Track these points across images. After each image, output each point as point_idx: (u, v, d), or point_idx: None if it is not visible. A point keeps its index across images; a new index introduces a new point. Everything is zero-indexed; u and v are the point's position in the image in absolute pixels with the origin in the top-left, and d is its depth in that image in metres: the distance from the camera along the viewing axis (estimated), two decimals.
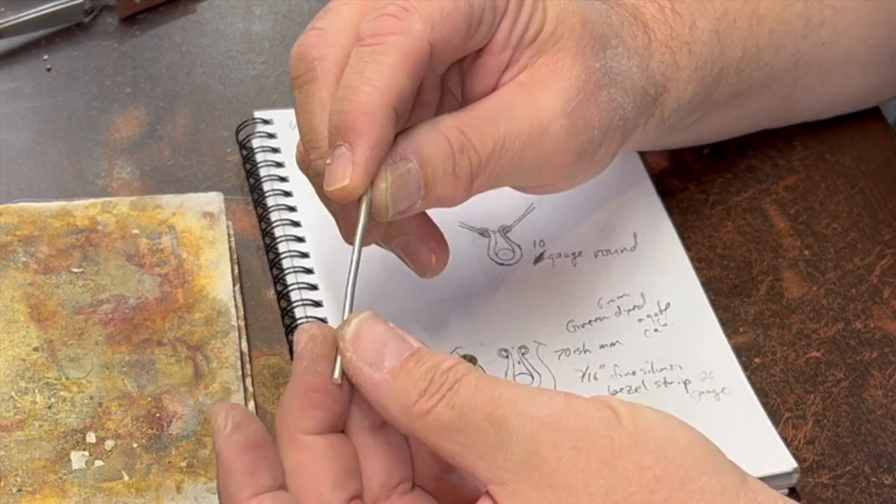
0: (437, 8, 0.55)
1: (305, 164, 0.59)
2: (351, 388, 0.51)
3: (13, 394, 0.62)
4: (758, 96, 0.72)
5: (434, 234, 0.62)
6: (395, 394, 0.48)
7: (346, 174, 0.53)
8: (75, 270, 0.66)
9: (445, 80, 0.61)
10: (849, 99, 0.78)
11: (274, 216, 0.71)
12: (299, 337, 0.51)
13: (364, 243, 0.58)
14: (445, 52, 0.56)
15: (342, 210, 0.58)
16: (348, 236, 0.59)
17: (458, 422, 0.47)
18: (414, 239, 0.62)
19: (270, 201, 0.72)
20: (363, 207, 0.55)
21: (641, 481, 0.45)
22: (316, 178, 0.58)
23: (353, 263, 0.54)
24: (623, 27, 0.63)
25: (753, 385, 0.66)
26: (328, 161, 0.54)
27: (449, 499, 0.52)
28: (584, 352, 0.67)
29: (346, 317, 0.51)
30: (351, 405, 0.51)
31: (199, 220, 0.69)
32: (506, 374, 0.66)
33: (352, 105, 0.53)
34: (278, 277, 0.69)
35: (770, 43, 0.70)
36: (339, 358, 0.50)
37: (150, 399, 0.62)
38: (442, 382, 0.47)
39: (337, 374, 0.50)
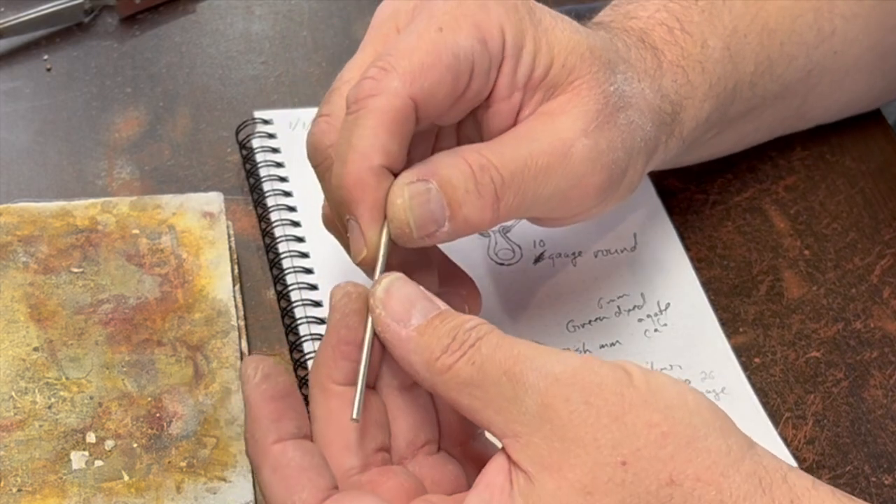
0: (416, 63, 0.55)
1: (332, 227, 0.62)
2: (382, 349, 0.53)
3: (13, 394, 0.62)
4: (772, 109, 0.72)
5: (465, 283, 0.63)
6: (419, 350, 0.50)
7: (362, 245, 0.55)
8: (75, 270, 0.66)
9: (462, 129, 0.61)
10: (856, 103, 0.78)
11: (274, 216, 0.72)
12: (334, 292, 0.53)
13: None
14: (434, 105, 0.56)
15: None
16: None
17: (478, 377, 0.49)
18: (445, 292, 0.62)
19: (270, 201, 0.72)
20: (383, 241, 0.55)
21: (649, 437, 0.47)
22: (339, 238, 0.62)
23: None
24: (630, 52, 0.63)
25: (753, 385, 0.66)
26: (348, 234, 0.56)
27: (473, 464, 0.54)
28: (584, 352, 0.67)
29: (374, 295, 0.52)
30: (381, 365, 0.53)
31: (199, 220, 0.69)
32: None
33: (344, 178, 0.55)
34: (278, 277, 0.69)
35: (782, 55, 0.70)
36: (357, 396, 0.51)
37: (150, 399, 0.62)
38: (465, 340, 0.49)
39: (355, 413, 0.51)
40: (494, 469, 0.49)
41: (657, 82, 0.64)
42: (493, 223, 0.57)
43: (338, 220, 0.57)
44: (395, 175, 0.55)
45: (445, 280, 0.62)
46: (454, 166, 0.56)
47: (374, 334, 0.53)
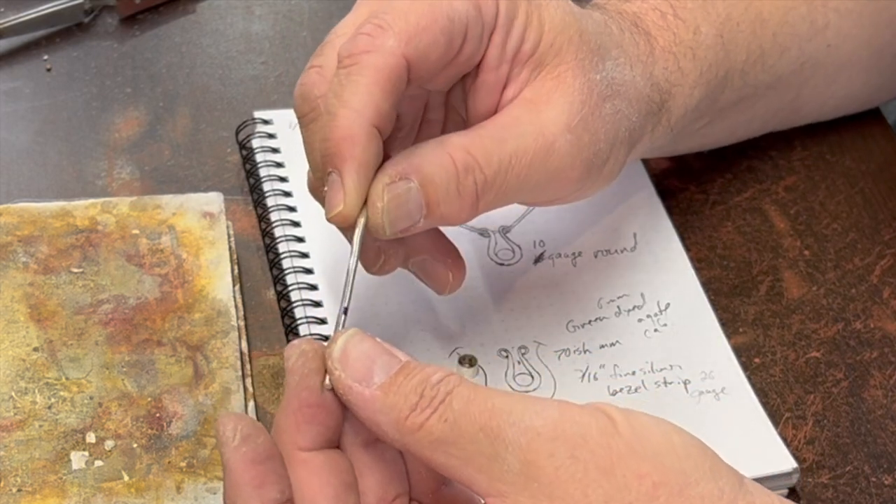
0: (412, 23, 0.55)
1: (317, 194, 0.61)
2: (343, 405, 0.50)
3: (13, 394, 0.62)
4: (764, 100, 0.72)
5: (450, 252, 0.62)
6: (385, 410, 0.48)
7: (339, 200, 0.54)
8: (75, 270, 0.66)
9: (450, 98, 0.61)
10: (852, 101, 0.78)
11: (274, 216, 0.72)
12: (289, 353, 0.50)
13: (384, 271, 0.60)
14: (426, 67, 0.56)
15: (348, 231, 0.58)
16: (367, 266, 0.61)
17: (452, 435, 0.46)
18: (430, 258, 0.62)
19: (270, 201, 0.72)
20: (358, 229, 0.55)
21: (640, 489, 0.45)
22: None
23: (349, 285, 0.54)
24: (624, 36, 0.63)
25: (753, 385, 0.66)
26: (325, 189, 0.55)
27: None
28: (584, 352, 0.67)
29: (338, 329, 0.51)
30: (344, 422, 0.51)
31: (199, 220, 0.69)
32: (506, 375, 0.66)
33: (332, 131, 0.54)
34: (278, 277, 0.69)
35: (774, 46, 0.70)
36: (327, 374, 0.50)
37: (150, 399, 0.62)
38: (434, 396, 0.47)
39: (328, 381, 0.50)
40: None
41: (648, 69, 0.63)
42: (468, 219, 0.57)
43: (316, 173, 0.57)
44: (381, 133, 0.55)
45: (430, 248, 0.62)
46: (439, 165, 0.55)
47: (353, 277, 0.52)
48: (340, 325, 0.54)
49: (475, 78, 0.59)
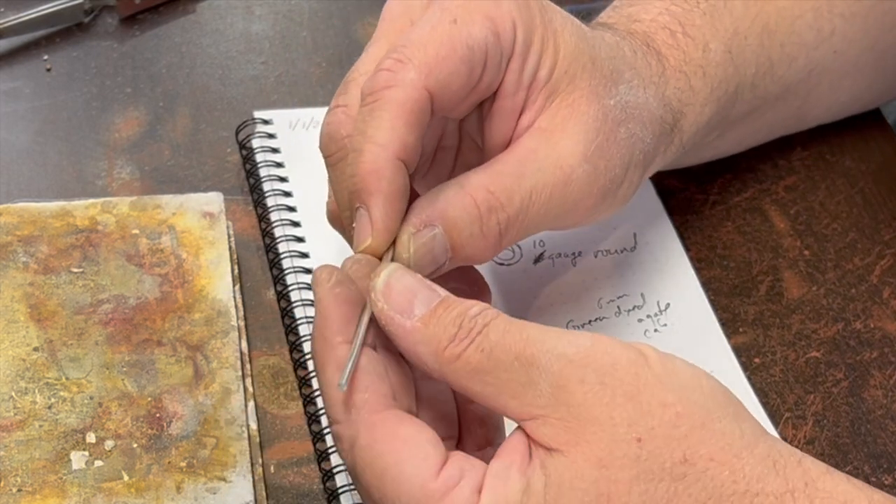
0: (432, 55, 0.55)
1: (336, 224, 0.62)
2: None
3: (13, 394, 0.62)
4: (773, 110, 0.72)
5: (476, 280, 0.63)
6: (426, 341, 0.50)
7: (367, 234, 0.55)
8: (75, 270, 0.66)
9: (464, 125, 0.61)
10: (856, 103, 0.78)
11: (274, 216, 0.72)
12: (321, 270, 0.53)
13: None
14: (448, 97, 0.56)
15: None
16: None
17: (488, 364, 0.49)
18: (457, 286, 0.62)
19: (270, 201, 0.72)
20: (366, 313, 0.54)
21: (664, 416, 0.48)
22: (344, 234, 0.61)
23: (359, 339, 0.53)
24: (637, 57, 0.63)
25: (753, 385, 0.66)
26: (353, 224, 0.55)
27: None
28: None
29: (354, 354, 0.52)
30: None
31: (199, 220, 0.69)
32: None
33: (358, 167, 0.54)
34: (278, 277, 0.69)
35: (783, 56, 0.70)
36: (348, 364, 0.51)
37: (150, 399, 0.62)
38: (472, 327, 0.50)
39: (344, 379, 0.51)
40: (514, 442, 0.49)
41: (661, 90, 0.63)
42: (493, 257, 0.58)
43: (345, 212, 0.57)
44: (408, 167, 0.55)
45: (457, 277, 0.62)
46: (462, 209, 0.56)
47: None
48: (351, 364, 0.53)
49: (491, 104, 0.59)
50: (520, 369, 0.49)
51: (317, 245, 0.70)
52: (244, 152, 0.75)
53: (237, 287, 0.68)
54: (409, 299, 0.51)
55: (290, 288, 0.68)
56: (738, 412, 0.49)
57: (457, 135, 0.61)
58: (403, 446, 0.49)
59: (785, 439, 0.64)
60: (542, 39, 0.58)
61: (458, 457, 0.50)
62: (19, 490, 0.58)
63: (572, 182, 0.58)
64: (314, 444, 0.63)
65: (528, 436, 0.49)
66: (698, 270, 0.72)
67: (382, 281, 0.52)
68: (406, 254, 0.55)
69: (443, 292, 0.51)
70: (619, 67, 0.61)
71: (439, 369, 0.50)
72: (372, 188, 0.54)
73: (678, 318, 0.69)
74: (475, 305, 0.51)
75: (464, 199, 0.56)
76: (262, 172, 0.74)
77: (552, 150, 0.58)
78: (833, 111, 0.77)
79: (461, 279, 0.62)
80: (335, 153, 0.58)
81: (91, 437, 0.61)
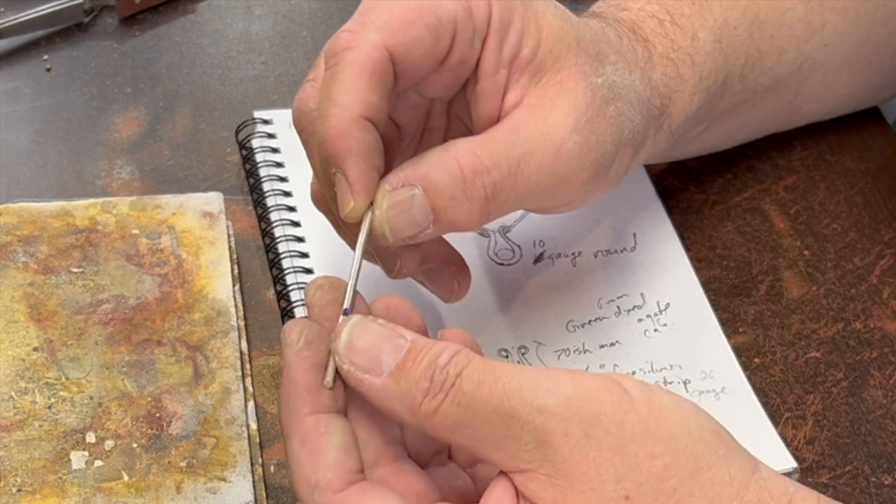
0: (395, 17, 0.55)
1: (320, 205, 0.62)
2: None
3: (13, 394, 0.62)
4: (763, 103, 0.72)
5: (455, 260, 0.63)
6: (398, 398, 0.48)
7: (349, 197, 0.54)
8: (75, 270, 0.66)
9: (453, 107, 0.61)
10: (853, 99, 0.78)
11: (274, 216, 0.72)
12: (289, 333, 0.51)
13: (401, 275, 0.60)
14: (412, 63, 0.56)
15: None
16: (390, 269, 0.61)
17: (467, 417, 0.47)
18: (436, 266, 0.62)
19: (270, 201, 0.72)
20: (362, 234, 0.55)
21: (651, 469, 0.46)
22: (328, 214, 0.61)
23: (351, 288, 0.53)
24: (622, 42, 0.63)
25: (753, 385, 0.66)
26: (336, 190, 0.55)
27: (481, 484, 0.53)
28: (584, 352, 0.67)
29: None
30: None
31: (199, 220, 0.69)
32: None
33: (326, 131, 0.54)
34: (278, 277, 0.69)
35: (772, 48, 0.70)
36: (330, 361, 0.50)
37: (149, 399, 0.62)
38: (443, 380, 0.48)
39: (329, 377, 0.50)
40: (501, 489, 0.48)
41: (647, 74, 0.63)
42: (480, 224, 0.57)
43: (325, 187, 0.57)
44: (376, 126, 0.55)
45: (435, 256, 0.62)
46: (444, 171, 0.55)
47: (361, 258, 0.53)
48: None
49: (474, 85, 0.59)
50: (499, 422, 0.47)
51: (317, 245, 0.70)
52: (244, 152, 0.75)
53: (237, 287, 0.68)
54: (374, 355, 0.49)
55: (290, 288, 0.68)
56: (727, 452, 0.48)
57: (445, 117, 0.61)
58: None
59: (785, 439, 0.64)
60: (523, 19, 0.58)
61: None
62: (19, 490, 0.58)
63: (563, 154, 0.58)
64: None
65: (514, 487, 0.48)
66: (698, 270, 0.72)
67: (344, 340, 0.50)
68: (378, 210, 0.54)
69: (409, 335, 0.49)
70: (603, 50, 0.61)
71: (417, 424, 0.48)
72: (343, 149, 0.53)
73: (678, 318, 0.69)
74: (444, 351, 0.48)
75: (447, 161, 0.55)
76: (262, 172, 0.74)
77: (542, 123, 0.58)
78: (830, 107, 0.77)
79: (440, 258, 0.62)
80: (306, 127, 0.58)
81: (91, 437, 0.61)
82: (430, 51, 0.56)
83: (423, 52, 0.56)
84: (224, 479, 0.60)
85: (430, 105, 0.61)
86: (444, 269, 0.62)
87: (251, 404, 0.63)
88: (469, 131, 0.60)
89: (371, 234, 0.55)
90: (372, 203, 0.55)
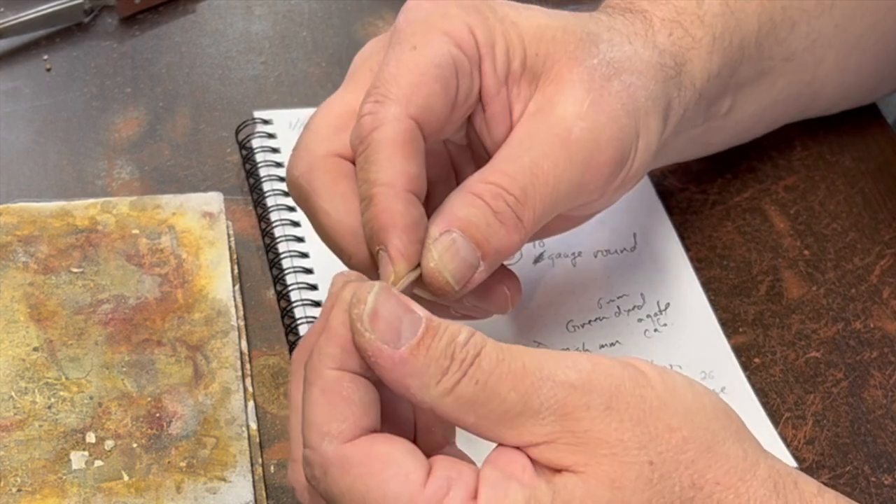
0: (405, 85, 0.55)
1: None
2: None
3: (13, 394, 0.62)
4: (784, 76, 0.71)
5: (507, 276, 0.62)
6: (416, 373, 0.47)
7: (389, 271, 0.54)
8: (75, 270, 0.66)
9: (472, 146, 0.61)
10: (861, 90, 0.78)
11: (274, 216, 0.72)
12: (339, 279, 0.51)
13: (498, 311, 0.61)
14: (434, 119, 0.56)
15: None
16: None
17: (483, 396, 0.47)
18: (489, 285, 0.61)
19: (270, 201, 0.72)
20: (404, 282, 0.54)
21: (671, 441, 0.47)
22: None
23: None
24: (615, 20, 0.63)
25: (753, 385, 0.66)
26: (380, 269, 0.55)
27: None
28: (584, 352, 0.67)
29: None
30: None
31: (199, 220, 0.69)
32: None
33: (370, 211, 0.54)
34: (278, 277, 0.69)
35: (784, 19, 0.70)
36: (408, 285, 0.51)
37: (149, 399, 0.62)
38: (463, 358, 0.47)
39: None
40: (511, 453, 0.48)
41: (651, 40, 0.63)
42: (523, 243, 0.57)
43: (357, 253, 0.57)
44: (417, 195, 0.55)
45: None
46: (468, 205, 0.56)
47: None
48: None
49: (483, 113, 0.59)
50: (517, 401, 0.47)
51: (317, 245, 0.70)
52: (244, 152, 0.75)
53: (237, 287, 0.68)
54: (395, 326, 0.47)
55: (290, 288, 0.68)
56: (739, 431, 0.49)
57: (472, 164, 0.62)
58: (382, 466, 0.47)
59: (785, 439, 0.64)
60: (503, 35, 0.58)
61: (442, 464, 0.48)
62: (19, 490, 0.58)
63: (572, 143, 0.58)
64: None
65: (527, 455, 0.48)
66: (698, 270, 0.72)
67: (370, 306, 0.48)
68: (433, 262, 0.54)
69: (421, 311, 0.48)
70: (593, 30, 0.61)
71: (430, 402, 0.47)
72: (387, 224, 0.54)
73: (678, 318, 0.69)
74: (462, 331, 0.48)
75: (466, 197, 0.56)
76: (262, 172, 0.74)
77: (545, 123, 0.58)
78: (841, 93, 0.77)
79: (494, 276, 0.61)
80: (298, 195, 0.59)
81: (91, 437, 0.61)
82: (445, 101, 0.56)
83: (441, 105, 0.56)
84: (224, 479, 0.60)
85: (448, 150, 0.61)
86: (497, 288, 0.62)
87: (251, 404, 0.63)
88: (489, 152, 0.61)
89: (434, 294, 0.55)
90: (419, 266, 0.55)
